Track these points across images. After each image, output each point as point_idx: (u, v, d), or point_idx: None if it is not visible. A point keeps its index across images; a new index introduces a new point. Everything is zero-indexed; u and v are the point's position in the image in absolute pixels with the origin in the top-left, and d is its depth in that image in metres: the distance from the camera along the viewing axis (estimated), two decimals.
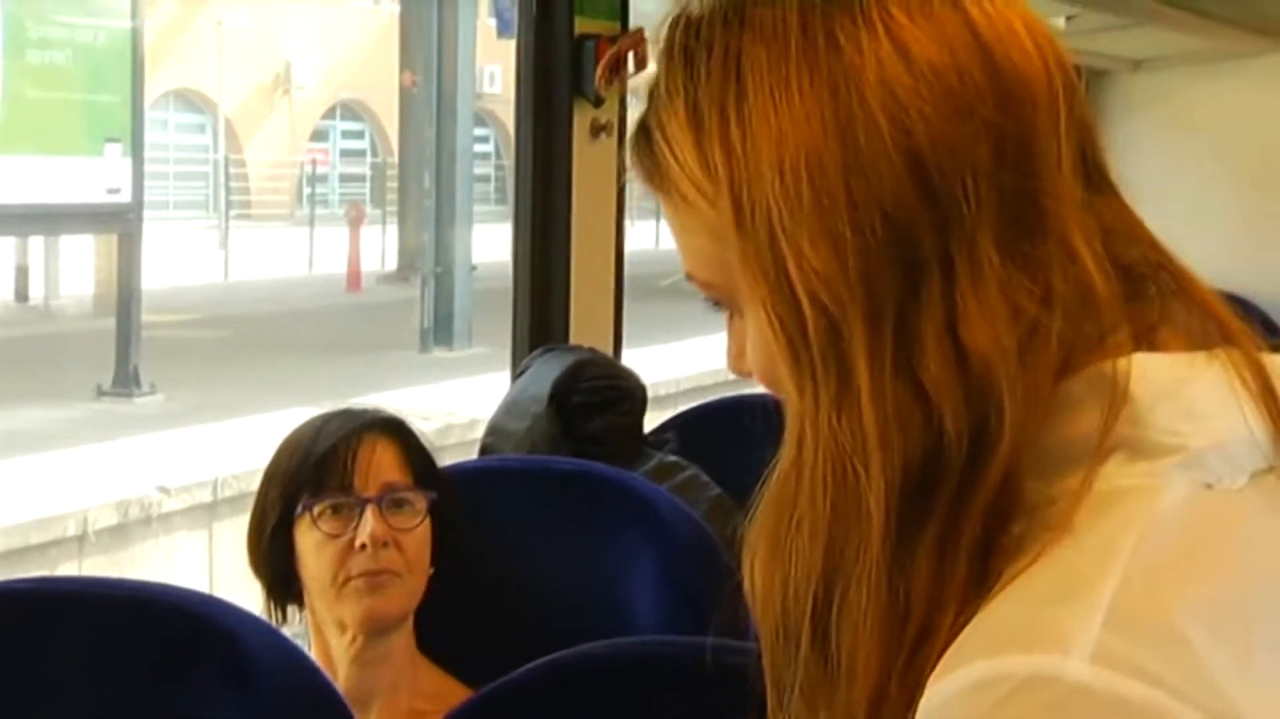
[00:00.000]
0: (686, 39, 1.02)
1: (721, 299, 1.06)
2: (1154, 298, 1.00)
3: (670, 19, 1.04)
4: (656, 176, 1.04)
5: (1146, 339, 0.98)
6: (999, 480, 0.93)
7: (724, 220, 0.99)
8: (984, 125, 0.96)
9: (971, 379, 0.94)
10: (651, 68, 1.06)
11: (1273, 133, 5.59)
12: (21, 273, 19.78)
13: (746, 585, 1.03)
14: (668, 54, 1.03)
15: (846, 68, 0.96)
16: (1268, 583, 0.92)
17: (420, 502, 2.32)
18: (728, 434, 3.20)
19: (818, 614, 0.97)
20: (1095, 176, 1.02)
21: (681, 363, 13.20)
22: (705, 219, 1.01)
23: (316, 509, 2.27)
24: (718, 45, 0.99)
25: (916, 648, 0.93)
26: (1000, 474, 0.93)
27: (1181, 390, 0.95)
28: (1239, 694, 0.86)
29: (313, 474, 2.28)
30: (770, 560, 1.01)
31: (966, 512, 0.93)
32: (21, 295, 19.79)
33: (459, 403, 10.40)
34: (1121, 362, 0.94)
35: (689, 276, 1.06)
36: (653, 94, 1.04)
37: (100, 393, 13.40)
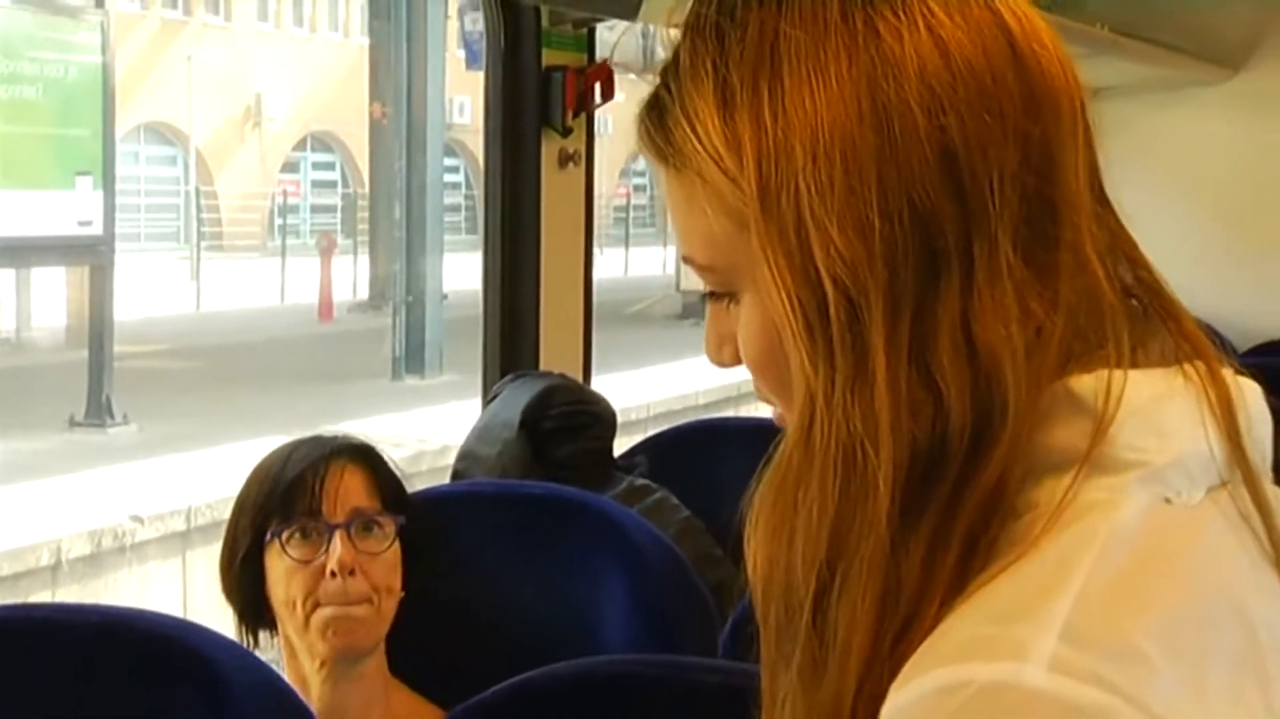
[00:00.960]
0: (719, 16, 1.00)
1: (719, 284, 1.04)
2: (1140, 316, 1.01)
3: (694, 6, 1.02)
4: (671, 153, 1.02)
5: (1129, 356, 0.97)
6: (996, 476, 0.94)
7: (746, 198, 0.97)
8: (1014, 128, 0.96)
9: (980, 374, 0.94)
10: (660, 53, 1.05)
11: (1230, 160, 5.67)
12: None
13: (748, 565, 1.03)
14: (696, 30, 1.01)
15: (886, 58, 0.95)
16: (1221, 597, 0.94)
17: (389, 526, 2.32)
18: (697, 458, 3.21)
19: (820, 593, 0.97)
20: (1100, 193, 1.03)
21: (650, 388, 13.22)
22: (723, 198, 0.99)
23: (285, 535, 2.27)
24: (753, 25, 0.98)
25: (901, 636, 0.93)
26: (998, 471, 0.94)
27: (1154, 408, 0.96)
28: (1194, 712, 0.88)
29: (281, 501, 2.28)
30: (774, 539, 1.00)
31: (962, 505, 0.94)
32: None
33: (431, 430, 10.39)
34: (1116, 375, 0.95)
35: (687, 259, 1.05)
36: (672, 69, 1.03)
37: (73, 423, 13.39)
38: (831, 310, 0.95)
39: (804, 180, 0.94)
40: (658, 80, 1.04)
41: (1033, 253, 0.96)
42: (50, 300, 18.32)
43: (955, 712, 0.88)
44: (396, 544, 2.32)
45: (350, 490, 2.30)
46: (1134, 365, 0.97)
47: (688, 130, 1.00)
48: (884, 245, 0.94)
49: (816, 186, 0.94)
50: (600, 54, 3.65)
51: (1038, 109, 0.97)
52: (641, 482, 2.99)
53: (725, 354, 1.07)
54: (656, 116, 1.03)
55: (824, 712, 0.97)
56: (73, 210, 12.65)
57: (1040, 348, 0.95)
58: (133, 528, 9.38)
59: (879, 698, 0.92)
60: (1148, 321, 1.01)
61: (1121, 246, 1.02)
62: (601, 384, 3.48)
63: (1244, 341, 5.18)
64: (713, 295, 1.06)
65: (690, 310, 16.93)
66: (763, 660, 1.03)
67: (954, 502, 0.94)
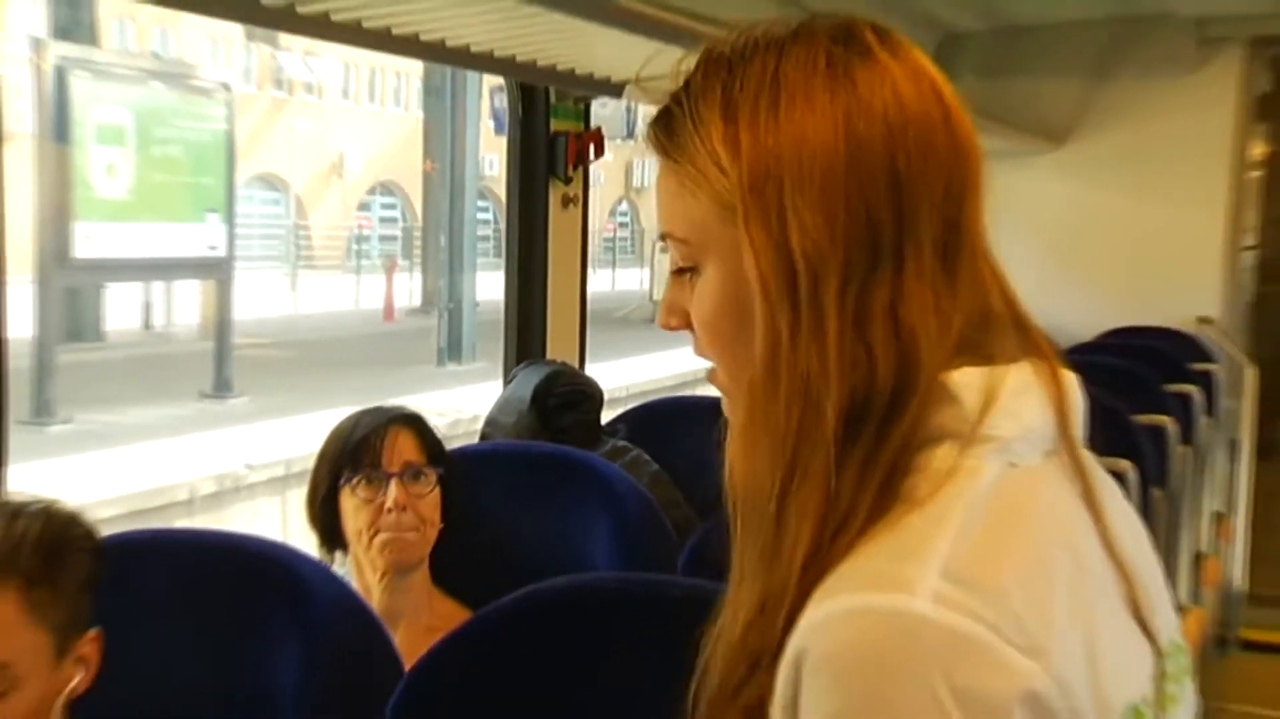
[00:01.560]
0: (731, 55, 1.00)
1: (688, 257, 1.03)
2: (1006, 324, 1.02)
3: (710, 47, 1.03)
4: (673, 150, 1.02)
5: (997, 354, 1.00)
6: (911, 421, 0.95)
7: (734, 188, 0.97)
8: (942, 168, 0.97)
9: (902, 344, 0.95)
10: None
11: (1057, 209, 5.67)
12: (146, 308, 19.78)
13: (726, 470, 1.02)
14: (710, 61, 1.01)
15: (859, 100, 0.96)
16: (1057, 538, 0.96)
17: (432, 475, 2.33)
18: (663, 425, 3.20)
19: (781, 492, 0.96)
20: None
21: (629, 373, 13.21)
22: (713, 187, 0.99)
23: (354, 481, 2.28)
24: (757, 62, 0.99)
25: (835, 539, 0.93)
26: (913, 418, 0.95)
27: (1011, 399, 0.97)
28: (1041, 633, 0.88)
29: (351, 456, 2.29)
30: (746, 450, 1.00)
31: (887, 440, 0.94)
32: (147, 324, 19.77)
33: (465, 403, 10.34)
34: (986, 373, 0.97)
35: (666, 235, 1.04)
36: (683, 91, 1.02)
37: (202, 395, 13.42)
38: (800, 277, 0.95)
39: (789, 176, 0.95)
40: (669, 100, 1.04)
41: (946, 261, 0.97)
42: (188, 304, 18.30)
43: (859, 630, 0.88)
44: (437, 489, 2.33)
45: (403, 448, 2.31)
46: (1001, 361, 0.99)
47: (693, 132, 1.00)
48: (842, 234, 0.95)
49: (799, 182, 0.95)
50: (594, 123, 3.64)
51: (958, 157, 0.99)
52: (622, 443, 2.97)
53: (673, 321, 1.06)
54: (664, 123, 1.03)
55: (777, 584, 0.95)
56: (204, 238, 12.74)
57: (946, 334, 0.96)
58: (246, 474, 9.41)
59: (806, 592, 0.92)
60: (1005, 330, 1.02)
61: (996, 277, 1.03)
62: (593, 370, 3.46)
63: (1065, 341, 5.11)
64: (678, 271, 1.05)
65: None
66: (733, 544, 1.02)
67: (880, 438, 0.94)
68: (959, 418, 0.95)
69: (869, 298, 0.95)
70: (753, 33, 1.01)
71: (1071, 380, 1.03)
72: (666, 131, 1.03)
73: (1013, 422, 0.97)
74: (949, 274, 0.97)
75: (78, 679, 1.50)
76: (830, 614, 0.90)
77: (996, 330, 1.01)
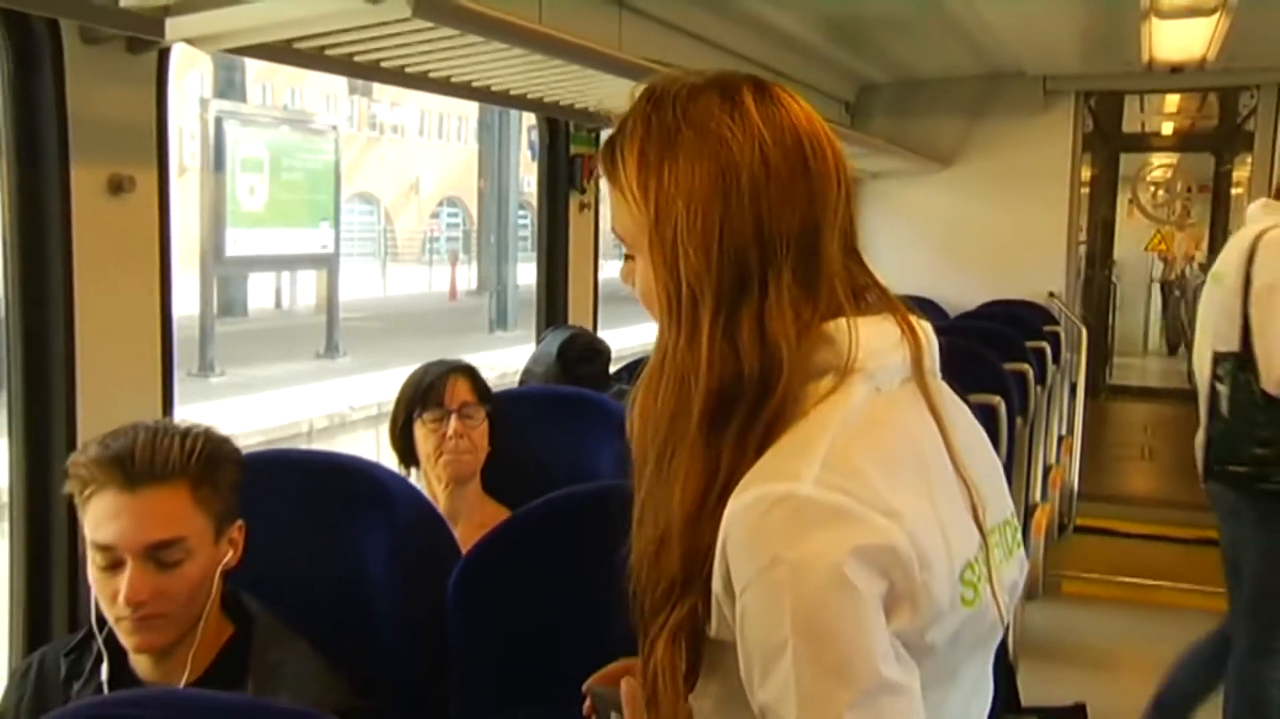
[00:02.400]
0: (650, 107, 0.98)
1: (629, 249, 1.02)
2: (867, 299, 1.01)
3: (642, 93, 1.01)
4: (612, 176, 1.01)
5: (860, 316, 0.98)
6: (779, 404, 0.94)
7: (645, 221, 0.97)
8: (798, 209, 0.95)
9: (766, 349, 0.94)
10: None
11: (944, 214, 5.66)
12: (277, 292, 19.80)
13: (628, 431, 1.01)
14: (636, 110, 0.99)
15: (730, 161, 0.94)
16: (907, 440, 0.96)
17: (482, 411, 2.28)
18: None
19: (659, 458, 0.96)
20: (850, 243, 1.01)
21: (628, 337, 13.19)
22: (633, 213, 0.98)
23: (423, 416, 2.24)
24: (669, 118, 0.97)
25: (722, 495, 0.92)
26: (779, 402, 0.93)
27: (872, 338, 0.97)
28: (894, 499, 0.90)
29: (422, 396, 2.25)
30: (640, 418, 0.99)
31: (756, 421, 0.93)
32: (277, 304, 19.79)
33: (509, 361, 10.34)
34: (853, 321, 0.96)
35: (613, 229, 1.03)
36: (620, 130, 1.00)
37: (317, 355, 13.43)
38: (683, 298, 0.95)
39: (680, 220, 0.94)
40: (615, 130, 1.01)
41: (803, 281, 0.95)
42: (306, 289, 18.33)
43: (761, 514, 0.89)
44: (486, 421, 2.28)
45: (460, 390, 2.26)
46: (869, 314, 0.99)
47: (621, 172, 0.99)
48: (716, 266, 0.94)
49: (686, 225, 0.94)
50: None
51: (812, 199, 0.96)
52: (625, 388, 2.90)
53: (628, 281, 1.03)
54: (608, 153, 1.01)
55: (665, 530, 0.95)
56: (318, 240, 12.67)
57: (805, 335, 0.95)
58: (349, 413, 9.46)
59: (698, 531, 0.93)
60: (871, 300, 1.01)
61: (860, 270, 1.01)
62: (603, 333, 3.41)
63: (953, 311, 5.21)
64: (627, 256, 1.03)
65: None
66: (635, 490, 1.01)
67: (751, 419, 0.93)
68: (836, 354, 0.95)
69: (738, 314, 0.94)
70: (671, 85, 0.99)
71: (925, 327, 1.03)
72: (610, 160, 1.01)
73: (874, 358, 0.96)
74: (807, 290, 0.95)
75: (229, 557, 1.51)
76: (740, 504, 0.90)
77: (856, 304, 0.99)
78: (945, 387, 1.03)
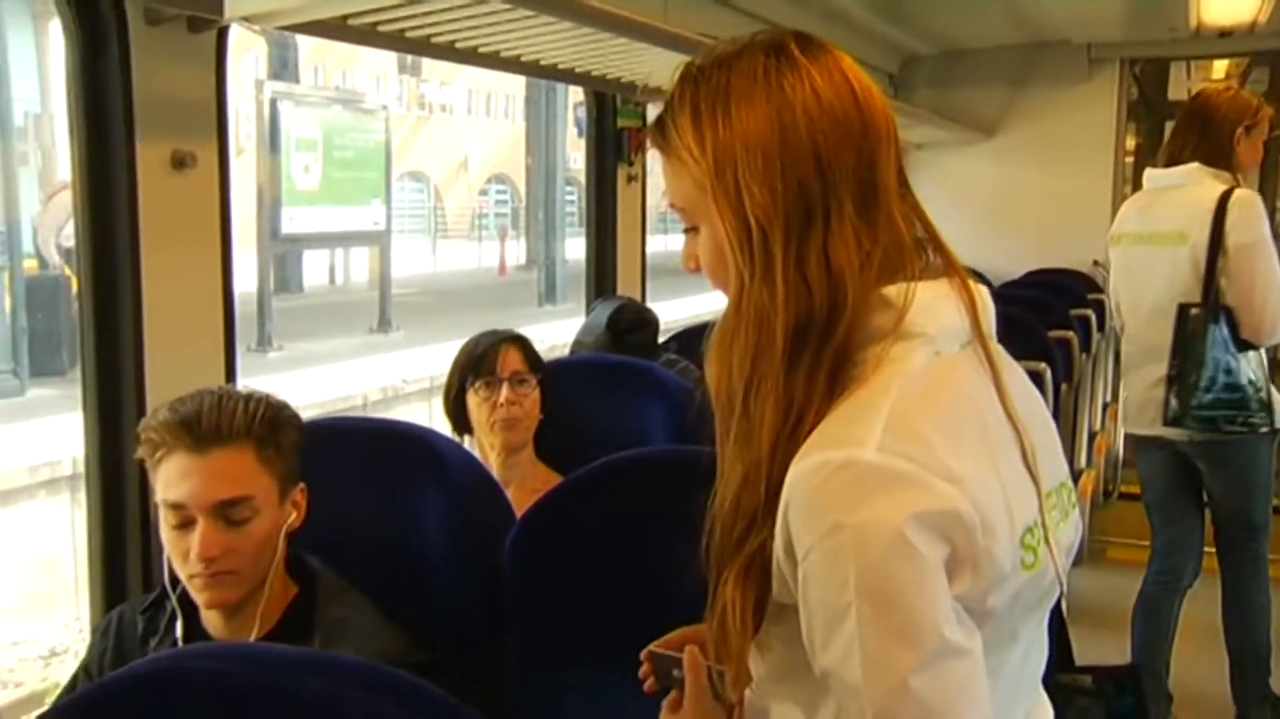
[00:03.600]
0: (696, 72, 0.99)
1: (688, 220, 1.02)
2: (925, 252, 1.00)
3: (685, 65, 1.01)
4: (665, 146, 1.01)
5: (917, 276, 0.98)
6: (844, 335, 0.94)
7: (705, 173, 0.97)
8: (854, 142, 0.96)
9: (832, 279, 0.94)
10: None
11: (987, 184, 5.61)
12: (331, 268, 19.93)
13: (706, 379, 1.01)
14: (685, 77, 1.00)
15: (786, 100, 0.95)
16: (968, 404, 0.95)
17: (533, 380, 2.28)
18: (704, 342, 3.14)
19: (745, 395, 0.96)
20: (904, 183, 1.01)
21: (676, 309, 13.17)
22: (691, 171, 0.98)
23: (476, 384, 2.25)
24: (715, 78, 0.97)
25: (796, 426, 0.93)
26: (845, 332, 0.94)
27: (931, 303, 0.96)
28: (957, 464, 0.89)
29: (474, 366, 2.26)
30: (719, 364, 0.99)
31: (827, 349, 0.93)
32: (331, 280, 19.92)
33: (558, 334, 10.37)
34: (910, 286, 0.96)
35: (672, 205, 1.02)
36: (669, 103, 1.01)
37: (370, 330, 13.50)
38: (753, 237, 0.95)
39: (740, 161, 0.95)
40: (664, 105, 1.02)
41: (863, 212, 0.95)
42: (359, 265, 18.42)
43: (824, 480, 0.88)
44: (537, 389, 2.28)
45: (511, 360, 2.26)
46: (925, 279, 0.98)
47: (674, 134, 0.99)
48: (782, 201, 0.94)
49: (747, 165, 0.94)
50: (650, 119, 3.58)
51: (867, 132, 0.96)
52: (673, 356, 2.92)
53: (690, 264, 1.03)
54: (658, 127, 1.02)
55: (753, 460, 0.95)
56: (370, 217, 12.79)
57: (868, 266, 0.95)
58: (402, 385, 9.51)
59: (784, 465, 0.92)
60: (928, 255, 1.00)
61: (916, 214, 1.01)
62: (653, 304, 3.41)
63: (998, 280, 5.14)
64: (687, 230, 1.03)
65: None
66: (717, 439, 1.01)
67: (821, 347, 0.93)
68: (893, 319, 0.94)
69: (806, 245, 0.94)
70: (713, 52, 1.00)
71: (982, 291, 1.02)
72: (660, 133, 1.02)
73: (935, 321, 0.96)
74: (867, 221, 0.95)
75: (293, 518, 1.53)
76: (802, 470, 0.90)
77: (916, 256, 0.98)
78: (1003, 350, 1.02)
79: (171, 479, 1.43)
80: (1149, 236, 2.99)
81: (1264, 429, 2.92)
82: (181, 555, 1.44)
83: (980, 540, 0.88)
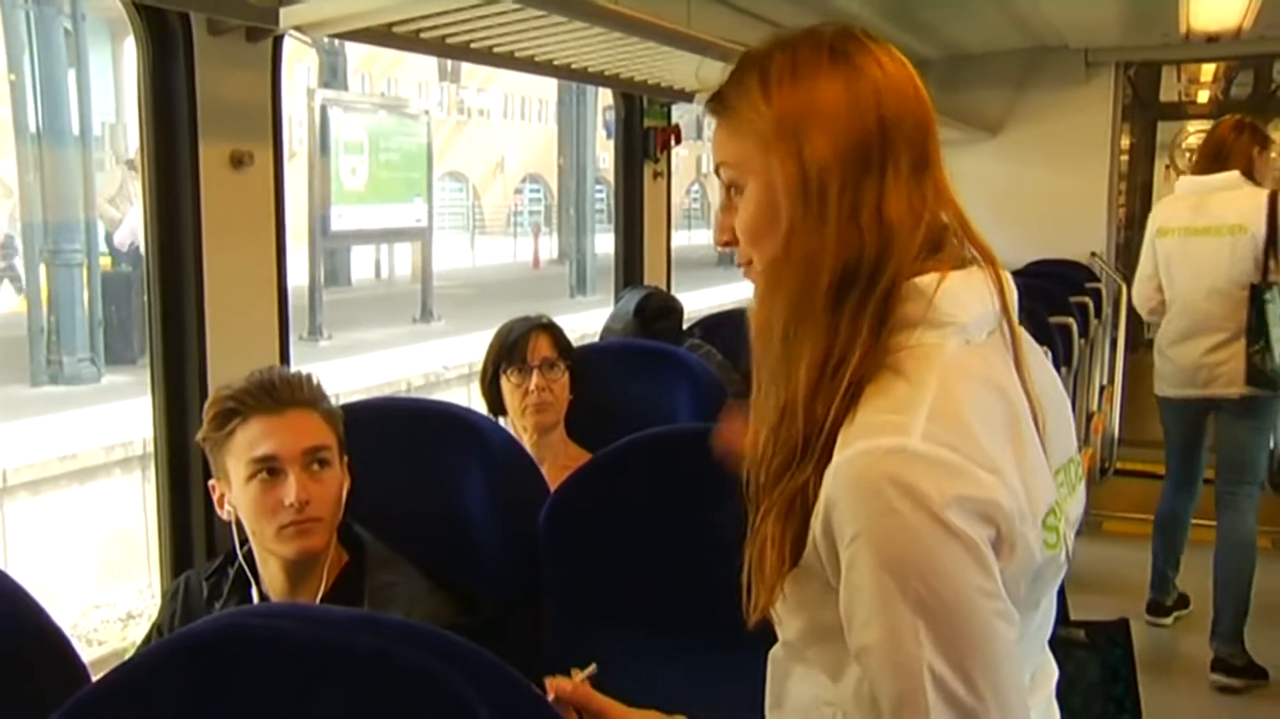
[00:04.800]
0: (761, 53, 0.97)
1: (736, 177, 0.98)
2: (952, 240, 0.97)
3: (744, 53, 0.99)
4: (724, 109, 0.98)
5: (952, 258, 0.96)
6: (886, 289, 0.92)
7: (769, 122, 0.94)
8: (912, 114, 0.95)
9: (883, 231, 0.92)
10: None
11: (993, 181, 5.51)
12: (377, 263, 19.93)
13: (752, 320, 0.98)
14: (749, 57, 0.98)
15: (855, 68, 0.94)
16: (997, 391, 0.92)
17: (563, 365, 2.27)
18: (727, 328, 3.13)
19: (786, 333, 0.93)
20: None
21: (699, 298, 13.14)
22: (753, 124, 0.95)
23: (509, 370, 2.24)
24: (781, 56, 0.95)
25: (838, 368, 0.91)
26: (887, 285, 0.92)
27: (962, 292, 0.93)
28: (997, 455, 0.87)
29: (508, 352, 2.25)
30: (765, 304, 0.96)
31: (868, 300, 0.91)
32: (377, 274, 19.91)
33: (588, 322, 10.38)
34: (942, 275, 0.93)
35: (720, 164, 0.99)
36: (731, 78, 0.98)
37: (414, 320, 13.45)
38: (811, 183, 0.92)
39: (804, 118, 0.93)
40: (720, 86, 0.99)
41: (916, 175, 0.94)
42: (403, 260, 18.46)
43: (868, 467, 0.86)
44: (567, 374, 2.27)
45: (541, 347, 2.25)
46: (956, 267, 0.95)
47: (740, 95, 0.96)
48: (843, 150, 0.92)
49: (813, 121, 0.93)
50: (674, 120, 3.58)
51: (921, 108, 0.96)
52: (697, 341, 2.91)
53: (724, 236, 1.00)
54: (718, 97, 0.99)
55: (789, 402, 0.93)
56: (413, 214, 12.71)
57: (916, 226, 0.93)
58: (443, 372, 9.52)
59: (824, 404, 0.90)
60: (963, 238, 0.97)
61: (955, 203, 0.98)
62: (677, 293, 3.40)
63: None
64: (729, 190, 0.99)
65: (721, 260, 17.08)
66: (754, 375, 0.98)
67: (865, 297, 0.91)
68: (926, 307, 0.92)
69: (861, 196, 0.92)
70: (775, 39, 0.98)
71: (1008, 278, 0.99)
72: (720, 101, 0.98)
73: (965, 310, 0.93)
74: (919, 183, 0.94)
75: (347, 483, 1.57)
76: (847, 456, 0.87)
77: (951, 240, 0.96)
78: (1025, 333, 1.00)
79: (256, 438, 1.49)
80: (1205, 229, 3.44)
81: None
82: (272, 509, 1.48)
83: (1018, 527, 0.86)
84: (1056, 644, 1.07)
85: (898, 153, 0.93)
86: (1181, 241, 3.51)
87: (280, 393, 1.50)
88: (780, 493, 0.93)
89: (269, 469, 1.48)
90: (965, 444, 0.85)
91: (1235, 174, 3.42)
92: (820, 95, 0.93)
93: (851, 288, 0.91)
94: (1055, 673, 1.08)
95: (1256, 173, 3.42)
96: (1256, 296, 3.34)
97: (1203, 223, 3.46)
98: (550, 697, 1.04)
